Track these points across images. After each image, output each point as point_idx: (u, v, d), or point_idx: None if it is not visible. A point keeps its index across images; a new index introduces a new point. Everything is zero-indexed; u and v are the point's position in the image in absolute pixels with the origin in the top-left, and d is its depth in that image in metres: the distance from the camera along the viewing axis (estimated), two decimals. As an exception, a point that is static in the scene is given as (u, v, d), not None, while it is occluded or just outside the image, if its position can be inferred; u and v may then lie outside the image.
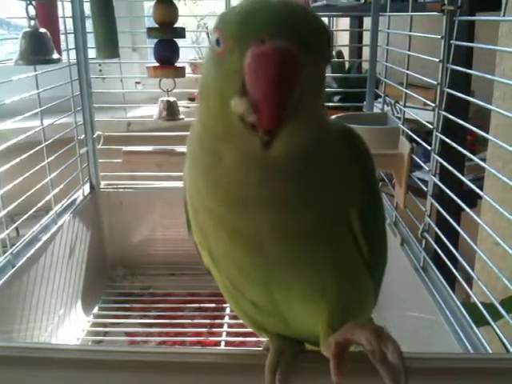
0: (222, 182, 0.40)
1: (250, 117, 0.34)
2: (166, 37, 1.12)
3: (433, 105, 0.85)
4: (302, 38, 0.34)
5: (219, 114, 0.37)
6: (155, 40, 1.13)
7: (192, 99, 1.78)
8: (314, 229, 0.42)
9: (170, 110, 1.18)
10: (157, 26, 1.12)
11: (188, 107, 1.57)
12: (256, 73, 0.34)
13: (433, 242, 0.85)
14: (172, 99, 1.18)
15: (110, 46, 1.09)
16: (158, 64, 1.14)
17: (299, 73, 0.34)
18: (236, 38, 0.35)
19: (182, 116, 1.19)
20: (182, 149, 1.08)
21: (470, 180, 0.76)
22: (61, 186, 1.07)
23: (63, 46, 1.13)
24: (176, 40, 1.13)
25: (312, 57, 0.35)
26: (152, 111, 1.24)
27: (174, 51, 1.14)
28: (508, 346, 0.60)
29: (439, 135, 0.84)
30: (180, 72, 1.15)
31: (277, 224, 0.41)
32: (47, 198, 1.03)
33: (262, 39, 0.34)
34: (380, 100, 1.28)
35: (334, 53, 1.96)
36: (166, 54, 1.13)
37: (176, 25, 1.12)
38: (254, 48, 0.34)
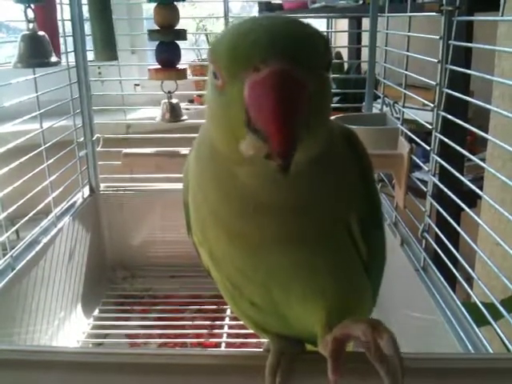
0: (234, 194, 0.40)
1: (262, 150, 0.33)
2: (168, 39, 1.12)
3: (432, 105, 0.85)
4: (296, 54, 0.33)
5: (231, 145, 0.36)
6: (154, 42, 1.13)
7: (191, 101, 1.79)
8: (315, 232, 0.42)
9: (173, 112, 1.18)
10: (158, 28, 1.12)
11: (188, 109, 1.57)
12: (258, 103, 0.32)
13: (433, 243, 0.85)
14: (175, 101, 1.19)
15: (108, 48, 1.09)
16: (159, 66, 1.14)
17: (302, 92, 0.32)
18: (229, 70, 0.34)
19: (184, 117, 1.20)
20: (182, 150, 1.08)
21: (469, 180, 0.76)
22: (60, 189, 1.07)
23: (62, 48, 1.13)
24: (176, 42, 1.13)
25: (312, 70, 0.34)
26: (151, 113, 1.24)
27: (176, 53, 1.14)
28: (509, 345, 0.60)
29: (438, 135, 0.84)
30: (181, 74, 1.15)
31: (282, 230, 0.41)
32: (47, 201, 1.03)
33: (255, 67, 0.32)
34: (379, 101, 1.28)
35: (333, 54, 1.96)
36: (168, 56, 1.13)
37: (175, 27, 1.12)
38: (250, 78, 0.33)
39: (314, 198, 0.40)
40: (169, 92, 1.17)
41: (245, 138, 0.34)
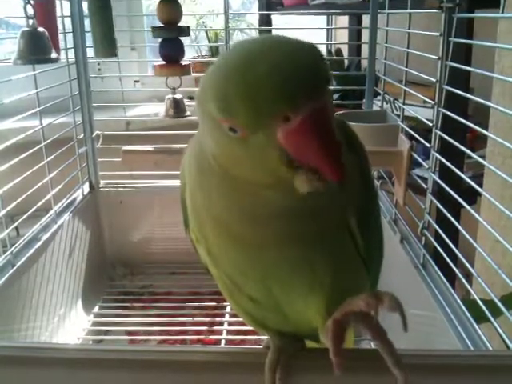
0: (241, 202, 0.40)
1: (314, 180, 0.35)
2: (172, 35, 1.12)
3: (432, 102, 0.85)
4: (314, 87, 0.34)
5: (265, 178, 0.37)
6: (153, 39, 1.13)
7: (191, 97, 1.78)
8: (317, 231, 0.42)
9: (177, 108, 1.19)
10: (161, 25, 1.12)
11: (188, 105, 1.57)
12: (301, 146, 0.34)
13: (432, 240, 0.86)
14: (178, 97, 1.19)
15: (107, 45, 1.09)
16: (162, 62, 1.15)
17: (332, 118, 0.35)
18: (253, 125, 0.34)
19: (188, 113, 1.20)
20: (182, 147, 1.08)
21: (469, 177, 0.75)
22: (60, 186, 1.07)
23: (62, 45, 1.13)
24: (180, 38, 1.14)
25: (326, 91, 0.35)
26: (151, 110, 1.24)
27: (180, 49, 1.15)
28: (508, 342, 0.60)
29: (438, 132, 0.84)
30: (186, 70, 1.15)
31: (285, 231, 0.41)
32: (47, 198, 1.03)
33: (285, 116, 0.33)
34: (379, 98, 1.28)
35: (333, 51, 1.96)
36: (172, 53, 1.14)
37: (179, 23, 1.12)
38: (283, 127, 0.34)
39: (323, 199, 0.41)
40: (173, 88, 1.17)
41: (285, 175, 0.35)
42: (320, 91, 0.34)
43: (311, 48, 0.36)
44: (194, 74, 1.71)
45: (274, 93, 0.33)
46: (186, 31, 1.13)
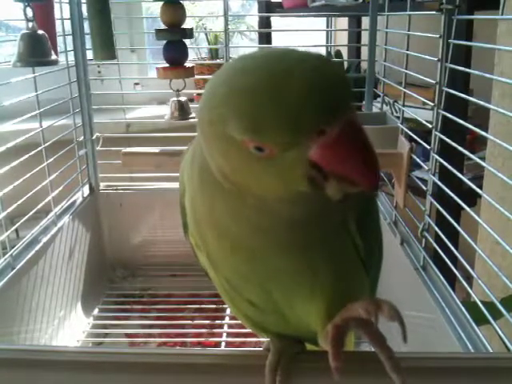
0: (245, 213, 0.40)
1: (345, 189, 0.36)
2: (176, 38, 1.12)
3: (432, 104, 0.85)
4: (347, 99, 0.34)
5: (282, 193, 0.37)
6: (154, 41, 1.13)
7: (191, 100, 1.78)
8: (318, 237, 0.42)
9: (182, 110, 1.19)
10: (165, 27, 1.12)
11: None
12: (339, 158, 0.34)
13: (433, 242, 0.85)
14: (183, 99, 1.19)
15: (106, 47, 1.09)
16: (166, 65, 1.15)
17: (363, 128, 0.35)
18: (289, 141, 0.34)
19: (192, 115, 1.20)
20: (182, 150, 1.08)
21: (469, 179, 0.76)
22: (60, 188, 1.07)
23: (61, 47, 1.13)
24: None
25: (353, 104, 0.36)
26: (151, 112, 1.24)
27: (184, 52, 1.15)
28: (508, 344, 0.60)
29: (438, 134, 0.84)
30: (189, 72, 1.15)
31: (287, 238, 0.41)
32: (47, 200, 1.02)
33: (321, 130, 0.33)
34: (379, 99, 1.28)
35: (332, 53, 1.96)
36: (176, 55, 1.14)
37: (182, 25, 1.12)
38: (318, 141, 0.33)
39: (329, 208, 0.41)
40: (177, 90, 1.17)
41: (309, 189, 0.35)
42: (350, 102, 0.35)
43: (332, 61, 0.37)
44: (194, 76, 1.72)
45: (311, 108, 0.33)
46: (190, 33, 1.13)
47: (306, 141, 0.34)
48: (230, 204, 0.40)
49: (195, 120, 0.40)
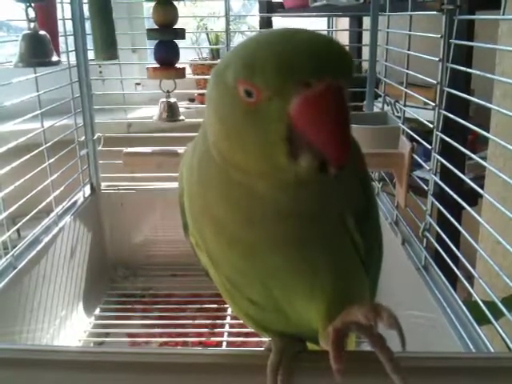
0: (241, 204, 0.40)
1: (315, 162, 0.35)
2: (166, 38, 1.12)
3: (433, 104, 0.85)
4: (340, 71, 0.35)
5: (261, 161, 0.37)
6: (155, 41, 1.13)
7: (192, 100, 1.78)
8: (317, 233, 0.42)
9: (171, 111, 1.18)
10: (157, 27, 1.12)
11: (188, 108, 1.57)
12: (314, 119, 0.34)
13: (434, 241, 0.85)
14: (172, 100, 1.18)
15: (108, 47, 1.09)
16: (158, 65, 1.14)
17: (347, 105, 0.35)
18: (275, 84, 0.34)
19: (182, 117, 1.19)
20: (183, 150, 1.08)
21: (470, 179, 0.75)
22: (61, 188, 1.07)
23: (63, 47, 1.13)
24: (175, 41, 1.13)
25: (348, 85, 0.35)
26: (152, 112, 1.24)
27: (174, 52, 1.14)
28: (510, 344, 0.60)
29: (439, 134, 0.84)
30: (180, 73, 1.15)
31: (285, 234, 0.41)
32: (48, 200, 1.03)
33: (306, 82, 0.34)
34: (380, 99, 1.28)
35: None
36: (166, 55, 1.13)
37: (176, 26, 1.12)
38: (301, 93, 0.34)
39: (323, 202, 0.41)
40: (167, 91, 1.17)
41: (285, 152, 0.35)
42: (345, 74, 0.35)
43: (339, 42, 0.37)
44: (194, 76, 1.72)
45: (303, 59, 0.34)
46: (181, 34, 1.12)
47: (292, 91, 0.34)
48: (223, 191, 0.41)
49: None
